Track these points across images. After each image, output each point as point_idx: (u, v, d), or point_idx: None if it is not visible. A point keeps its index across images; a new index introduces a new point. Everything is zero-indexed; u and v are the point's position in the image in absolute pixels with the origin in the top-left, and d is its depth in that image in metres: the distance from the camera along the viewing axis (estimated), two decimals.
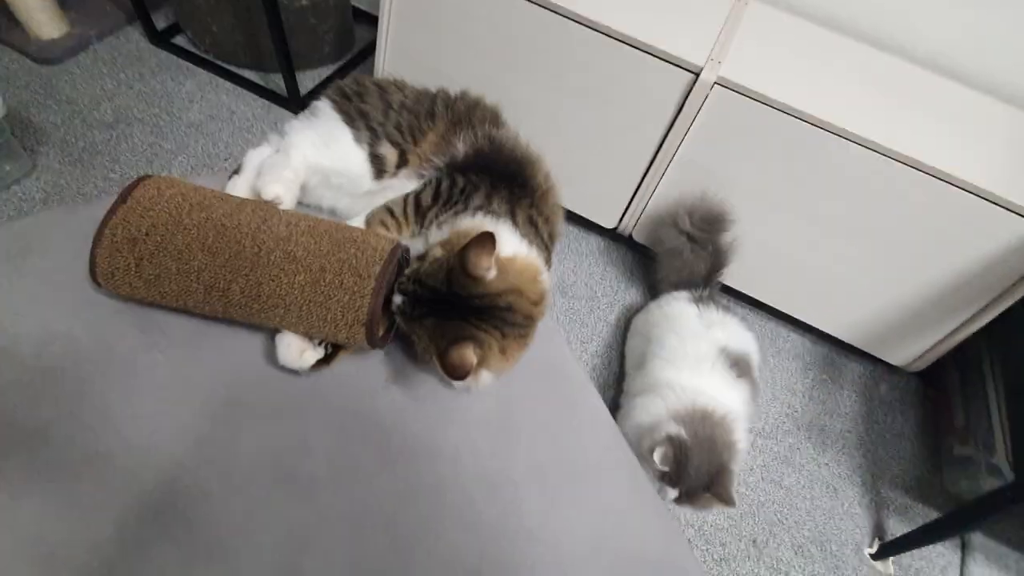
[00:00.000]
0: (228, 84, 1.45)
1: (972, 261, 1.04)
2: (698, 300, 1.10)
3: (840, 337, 1.26)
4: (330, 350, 0.59)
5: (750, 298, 1.30)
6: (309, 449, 0.56)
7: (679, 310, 1.10)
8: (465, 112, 0.75)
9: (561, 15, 1.05)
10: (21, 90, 1.34)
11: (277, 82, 1.42)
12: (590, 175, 1.25)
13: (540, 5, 1.05)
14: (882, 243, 1.08)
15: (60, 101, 1.34)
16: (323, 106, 0.74)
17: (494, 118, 0.79)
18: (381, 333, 0.58)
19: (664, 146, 1.13)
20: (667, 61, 1.03)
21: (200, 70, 1.47)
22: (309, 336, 0.58)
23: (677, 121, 1.08)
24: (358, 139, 0.72)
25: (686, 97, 1.05)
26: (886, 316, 1.17)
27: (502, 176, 0.71)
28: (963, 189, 0.97)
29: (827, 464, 1.15)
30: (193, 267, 0.55)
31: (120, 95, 1.39)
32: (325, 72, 1.53)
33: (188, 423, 0.55)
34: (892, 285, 1.13)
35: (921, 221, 1.03)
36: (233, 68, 1.47)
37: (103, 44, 1.48)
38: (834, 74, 1.08)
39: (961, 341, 1.15)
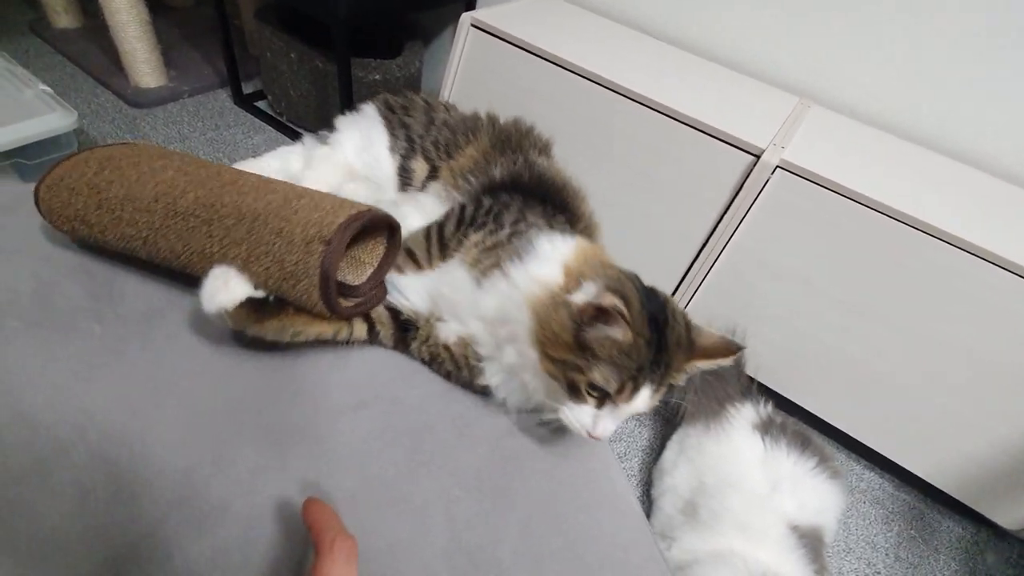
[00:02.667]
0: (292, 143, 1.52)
1: None
2: (764, 429, 0.90)
3: (930, 481, 1.02)
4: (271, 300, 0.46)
5: (812, 416, 1.10)
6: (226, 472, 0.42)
7: (738, 446, 0.89)
8: (514, 135, 0.71)
9: (622, 95, 1.05)
10: (106, 123, 1.44)
11: None
12: (643, 257, 1.16)
13: (600, 84, 1.06)
14: (986, 366, 0.90)
15: (135, 136, 1.43)
16: (369, 110, 0.72)
17: (544, 147, 0.73)
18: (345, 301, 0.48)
19: (718, 229, 1.04)
20: (729, 143, 0.99)
21: (271, 128, 1.56)
22: (255, 277, 0.45)
23: (734, 203, 1.01)
24: (393, 148, 0.69)
25: (745, 179, 0.98)
26: (992, 461, 0.95)
27: (538, 199, 0.63)
28: None
29: None
30: (145, 179, 0.48)
31: (191, 139, 1.47)
32: None
33: (90, 406, 0.43)
34: (1000, 421, 0.92)
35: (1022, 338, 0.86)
36: (301, 129, 1.55)
37: (193, 99, 1.62)
38: (902, 172, 1.00)
39: None
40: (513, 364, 0.48)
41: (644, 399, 0.45)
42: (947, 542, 1.01)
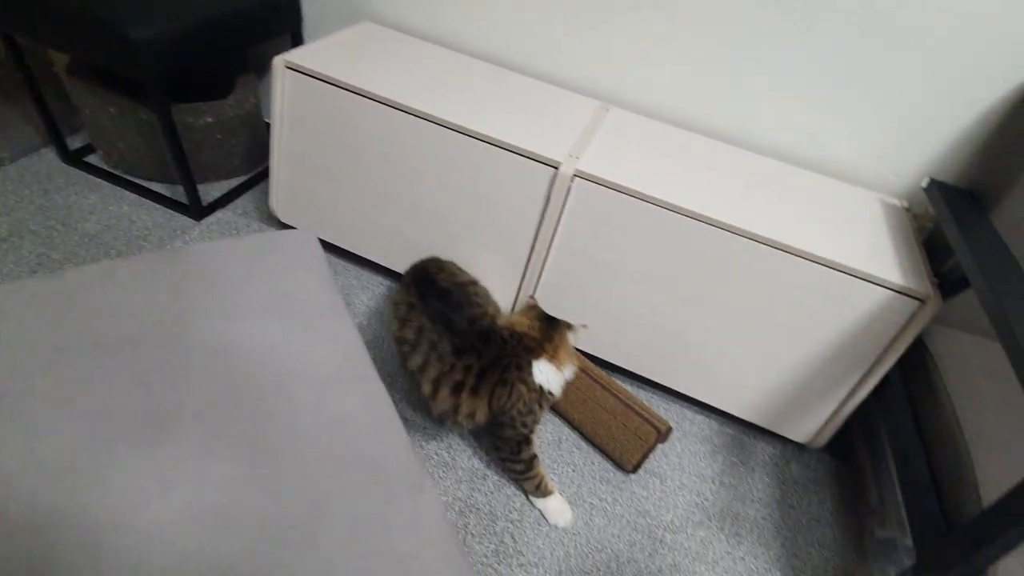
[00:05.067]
0: (132, 195, 1.49)
1: (841, 332, 1.06)
2: None
3: (741, 416, 1.23)
4: None
5: (649, 380, 1.28)
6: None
7: None
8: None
9: (434, 123, 1.14)
10: None
11: (183, 192, 1.46)
12: (483, 267, 1.27)
13: (413, 114, 1.14)
14: (758, 320, 1.10)
15: None
16: None
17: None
18: None
19: (539, 235, 1.17)
20: (531, 158, 1.11)
21: (107, 184, 1.51)
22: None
23: (547, 212, 1.14)
24: None
25: (551, 189, 1.11)
26: (780, 392, 1.16)
27: None
28: (821, 264, 1.01)
29: (743, 558, 1.06)
30: None
31: (20, 210, 1.40)
32: (235, 182, 1.59)
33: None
34: (778, 361, 1.13)
35: (786, 296, 1.06)
36: (140, 181, 1.51)
37: (15, 164, 1.52)
38: (689, 167, 1.18)
39: (865, 414, 1.13)
40: None
41: None
42: (761, 461, 1.23)
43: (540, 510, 1.05)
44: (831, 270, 1.01)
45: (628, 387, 1.30)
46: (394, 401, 1.10)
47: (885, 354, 1.04)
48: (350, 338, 0.78)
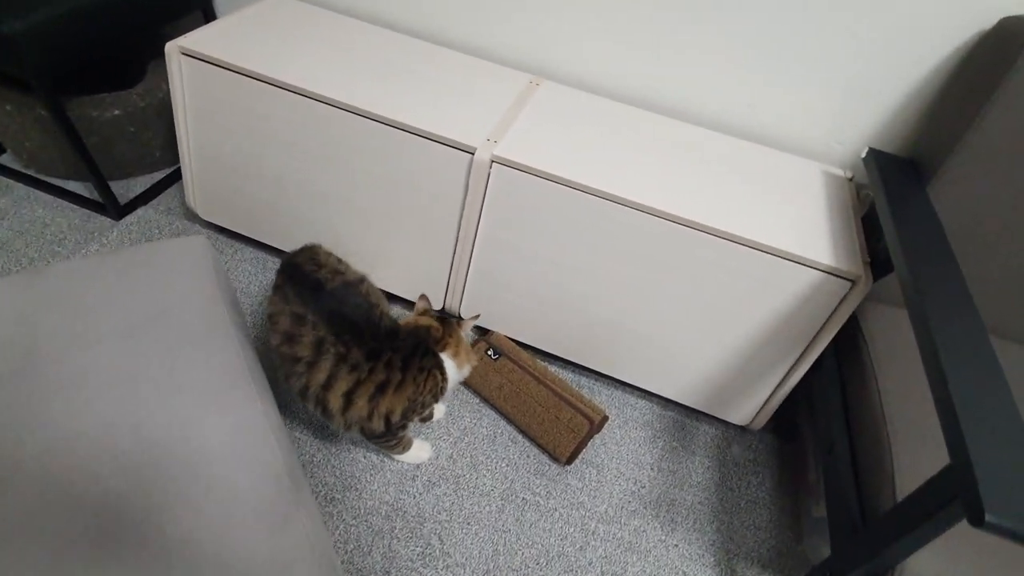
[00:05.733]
0: (47, 197, 1.41)
1: (774, 314, 1.02)
2: None
3: (679, 400, 1.21)
4: None
5: (586, 368, 1.25)
6: None
7: None
8: None
9: (342, 109, 1.06)
10: None
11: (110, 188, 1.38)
12: (408, 259, 1.22)
13: (319, 100, 1.06)
14: (690, 304, 1.06)
15: None
16: None
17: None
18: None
19: (463, 225, 1.11)
20: (447, 144, 1.04)
21: (20, 185, 1.43)
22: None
23: (467, 200, 1.08)
24: None
25: (468, 177, 1.05)
26: (717, 376, 1.13)
27: None
28: (750, 246, 0.96)
29: (676, 545, 1.06)
30: None
31: None
32: (159, 175, 1.51)
33: None
34: (713, 345, 1.10)
35: (715, 280, 1.01)
36: (56, 180, 1.43)
37: None
38: (619, 144, 1.11)
39: (809, 393, 1.11)
40: None
41: None
42: (702, 444, 1.21)
43: (402, 460, 1.08)
44: (761, 252, 0.96)
45: (569, 376, 1.27)
46: (297, 411, 1.08)
47: (818, 335, 1.01)
48: (231, 355, 0.74)
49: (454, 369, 0.95)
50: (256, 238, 1.34)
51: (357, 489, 1.03)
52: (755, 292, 1.01)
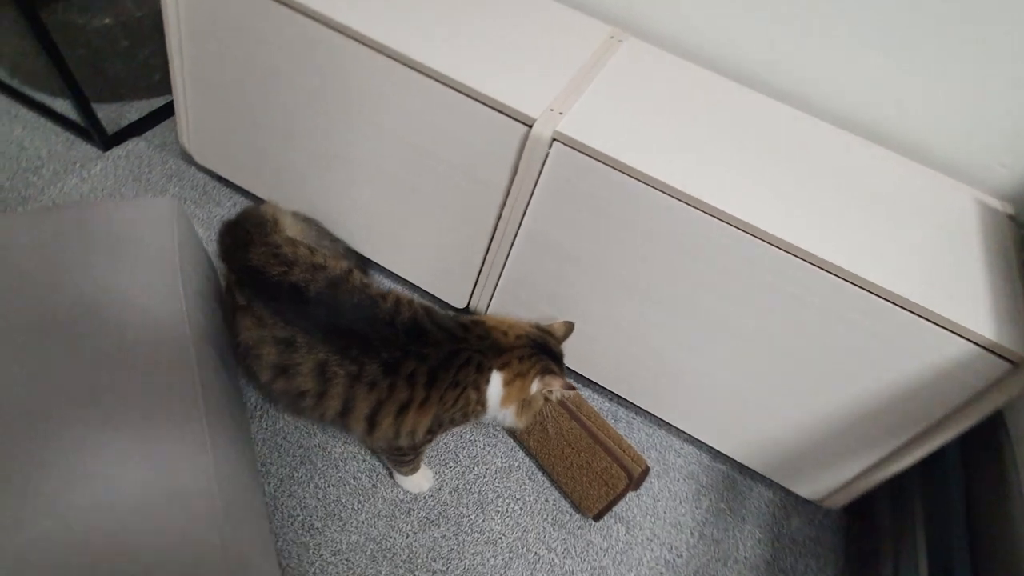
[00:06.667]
0: (29, 115, 1.22)
1: (891, 384, 0.78)
2: None
3: (738, 459, 1.00)
4: None
5: (632, 403, 1.04)
6: None
7: None
8: None
9: (369, 47, 0.82)
10: None
11: (98, 112, 1.17)
12: (432, 245, 1.01)
13: (345, 35, 0.83)
14: (780, 350, 0.83)
15: None
16: None
17: None
18: None
19: (505, 214, 0.88)
20: (496, 110, 0.80)
21: (1, 96, 1.24)
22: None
23: (515, 184, 0.85)
24: None
25: (520, 155, 0.81)
26: (790, 439, 0.91)
27: None
28: (875, 294, 0.72)
29: None
30: None
31: None
32: (158, 102, 1.30)
33: None
34: (795, 402, 0.87)
35: (821, 328, 0.78)
36: (42, 97, 1.23)
37: None
38: (718, 134, 0.85)
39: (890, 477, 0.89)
40: None
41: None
42: (755, 510, 1.01)
43: (401, 484, 0.91)
44: (893, 306, 0.72)
45: (603, 405, 1.07)
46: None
47: (947, 421, 0.77)
48: (179, 375, 0.55)
49: (498, 398, 0.74)
50: (256, 194, 1.13)
51: (341, 518, 0.87)
52: (872, 352, 0.77)
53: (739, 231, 0.75)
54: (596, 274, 0.89)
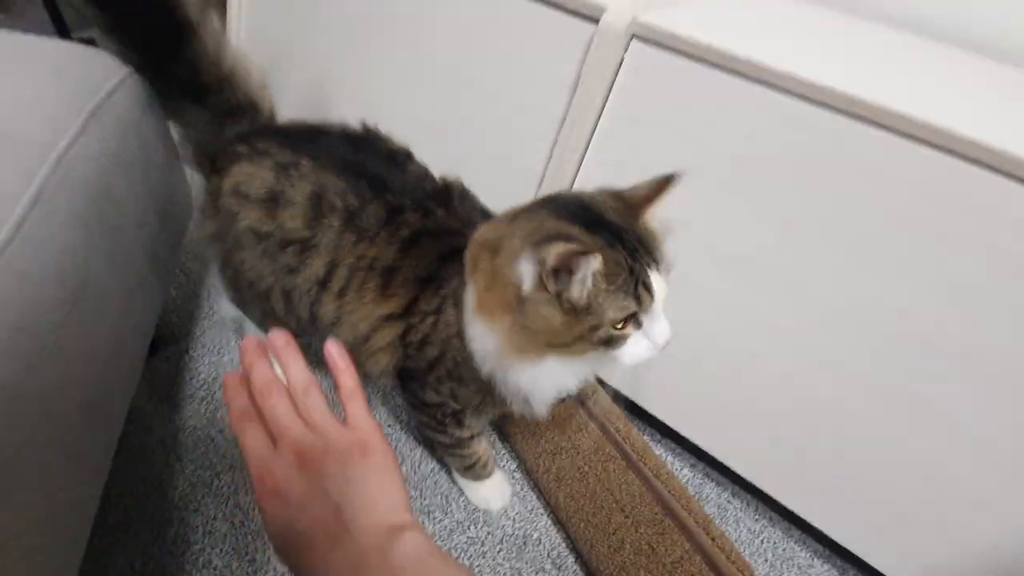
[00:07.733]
0: None
1: None
2: None
3: None
4: None
5: (737, 476, 0.66)
6: None
7: None
8: None
9: None
10: None
11: None
12: (488, 174, 0.75)
13: None
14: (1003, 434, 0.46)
15: None
16: None
17: None
18: None
19: (563, 137, 0.63)
20: (551, 3, 0.58)
21: None
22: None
23: (576, 98, 0.60)
24: None
25: (585, 59, 0.58)
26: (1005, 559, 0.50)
27: None
28: None
29: None
30: None
31: None
32: None
33: None
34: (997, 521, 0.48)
35: None
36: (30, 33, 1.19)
37: None
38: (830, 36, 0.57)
39: None
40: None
41: (659, 283, 0.40)
42: None
43: (472, 497, 0.65)
44: None
45: (665, 458, 0.71)
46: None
47: None
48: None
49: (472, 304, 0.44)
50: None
51: None
52: None
53: (959, 159, 0.43)
54: (702, 239, 0.58)
